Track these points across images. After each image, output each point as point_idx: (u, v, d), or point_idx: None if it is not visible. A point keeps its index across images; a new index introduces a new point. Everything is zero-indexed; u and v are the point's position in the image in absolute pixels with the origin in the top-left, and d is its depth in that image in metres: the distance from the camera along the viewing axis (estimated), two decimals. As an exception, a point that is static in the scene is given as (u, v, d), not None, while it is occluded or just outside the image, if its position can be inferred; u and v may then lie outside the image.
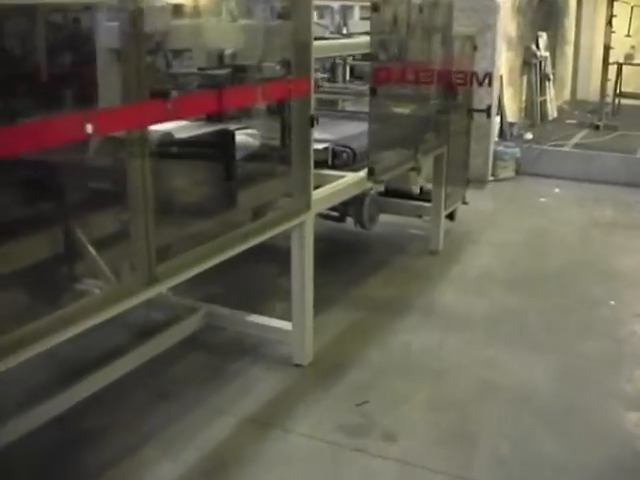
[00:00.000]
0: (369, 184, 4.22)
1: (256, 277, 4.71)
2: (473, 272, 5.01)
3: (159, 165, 2.67)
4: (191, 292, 3.97)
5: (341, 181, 4.06)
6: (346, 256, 5.22)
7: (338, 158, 4.29)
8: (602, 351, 3.92)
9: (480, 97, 7.20)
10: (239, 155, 3.39)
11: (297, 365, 3.65)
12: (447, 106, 5.08)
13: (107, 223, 2.87)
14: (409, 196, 5.43)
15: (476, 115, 7.14)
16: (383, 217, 5.35)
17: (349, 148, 4.28)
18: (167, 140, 3.14)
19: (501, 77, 7.78)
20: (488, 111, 5.35)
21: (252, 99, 3.29)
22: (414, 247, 5.45)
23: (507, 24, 8.02)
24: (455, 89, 5.17)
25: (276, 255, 4.08)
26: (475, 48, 5.54)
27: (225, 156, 3.35)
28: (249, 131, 3.52)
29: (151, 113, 2.55)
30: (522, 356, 3.84)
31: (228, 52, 3.80)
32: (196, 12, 4.12)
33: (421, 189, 5.47)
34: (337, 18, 5.46)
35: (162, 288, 2.79)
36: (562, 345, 3.99)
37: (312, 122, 3.50)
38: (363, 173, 4.16)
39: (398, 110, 4.61)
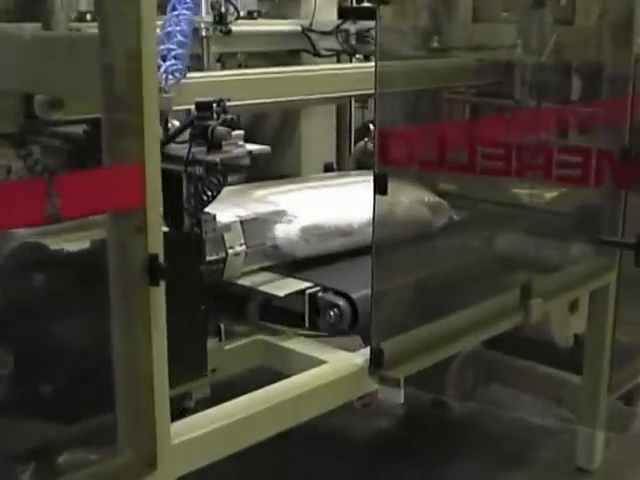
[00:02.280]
0: (372, 384, 1.91)
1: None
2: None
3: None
4: None
5: (294, 380, 1.84)
6: (414, 456, 2.88)
7: (323, 316, 2.05)
8: None
9: None
10: None
11: None
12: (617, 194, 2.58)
13: None
14: (549, 353, 2.94)
15: None
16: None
17: (346, 297, 2.02)
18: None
19: None
20: (638, 250, 2.34)
21: None
22: (549, 452, 2.92)
23: None
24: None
25: None
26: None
27: None
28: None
29: None
30: None
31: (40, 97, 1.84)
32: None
33: (576, 339, 2.96)
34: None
35: None
36: None
37: (156, 274, 1.40)
38: (362, 357, 1.90)
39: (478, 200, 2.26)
